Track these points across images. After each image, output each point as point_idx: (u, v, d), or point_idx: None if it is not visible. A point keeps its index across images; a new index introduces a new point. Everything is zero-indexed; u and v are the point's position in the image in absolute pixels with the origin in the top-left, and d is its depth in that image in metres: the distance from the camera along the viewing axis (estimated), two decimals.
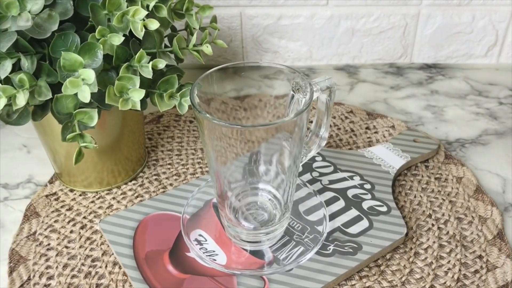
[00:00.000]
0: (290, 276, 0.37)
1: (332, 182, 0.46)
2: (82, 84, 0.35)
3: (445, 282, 0.38)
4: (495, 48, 0.67)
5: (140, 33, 0.37)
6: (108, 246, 0.41)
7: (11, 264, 0.40)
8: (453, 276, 0.39)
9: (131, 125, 0.45)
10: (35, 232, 0.43)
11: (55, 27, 0.36)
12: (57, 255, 0.41)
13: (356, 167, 0.47)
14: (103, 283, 0.38)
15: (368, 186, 0.45)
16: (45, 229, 0.43)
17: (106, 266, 0.40)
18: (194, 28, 0.45)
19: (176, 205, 0.44)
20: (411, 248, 0.41)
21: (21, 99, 0.34)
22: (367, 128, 0.56)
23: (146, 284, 0.37)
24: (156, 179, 0.49)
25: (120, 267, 0.40)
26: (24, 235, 0.43)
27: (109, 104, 0.37)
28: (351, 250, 0.39)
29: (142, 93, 0.37)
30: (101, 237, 0.42)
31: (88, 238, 0.42)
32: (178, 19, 0.45)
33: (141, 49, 0.38)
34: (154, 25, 0.38)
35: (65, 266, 0.40)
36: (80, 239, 0.42)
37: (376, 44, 0.67)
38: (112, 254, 0.41)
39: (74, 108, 0.36)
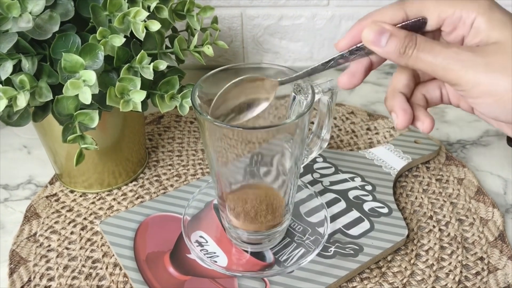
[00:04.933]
0: (291, 278, 0.37)
1: (333, 183, 0.46)
2: (83, 85, 0.35)
3: (446, 284, 0.38)
4: None
5: (141, 34, 0.37)
6: (109, 247, 0.41)
7: (12, 265, 0.40)
8: (454, 278, 0.38)
9: (131, 126, 0.45)
10: (35, 233, 0.43)
11: (56, 28, 0.36)
12: (57, 256, 0.41)
13: (357, 169, 0.47)
14: (104, 284, 0.38)
15: (369, 187, 0.45)
16: (46, 230, 0.43)
17: (106, 268, 0.40)
18: (195, 29, 0.45)
19: (176, 206, 0.43)
20: (412, 250, 0.41)
21: (22, 100, 0.34)
22: (368, 129, 0.56)
23: (147, 285, 0.36)
24: (156, 180, 0.49)
25: (120, 269, 0.40)
26: (25, 236, 0.43)
27: (110, 105, 0.37)
28: (352, 252, 0.39)
29: (143, 94, 0.37)
30: (101, 238, 0.42)
31: (88, 240, 0.42)
32: (179, 20, 0.45)
33: (142, 50, 0.38)
34: (155, 26, 0.38)
35: (66, 267, 0.40)
36: (80, 240, 0.42)
37: None
38: (113, 255, 0.41)
39: (75, 109, 0.36)
